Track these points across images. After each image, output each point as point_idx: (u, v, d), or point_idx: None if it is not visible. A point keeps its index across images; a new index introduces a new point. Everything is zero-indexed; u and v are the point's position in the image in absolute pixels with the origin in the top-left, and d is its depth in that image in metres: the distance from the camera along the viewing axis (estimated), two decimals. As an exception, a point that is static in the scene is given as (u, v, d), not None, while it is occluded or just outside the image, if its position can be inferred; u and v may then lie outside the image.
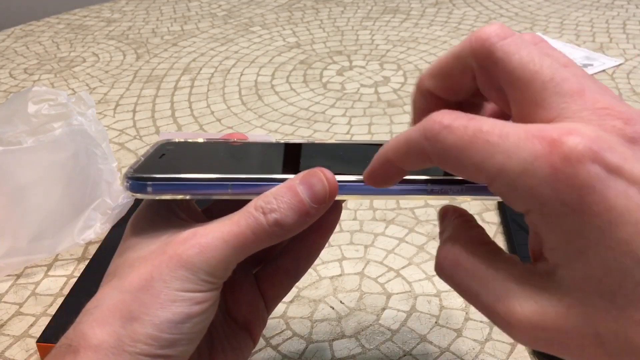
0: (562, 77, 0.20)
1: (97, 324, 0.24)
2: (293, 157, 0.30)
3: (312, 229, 0.31)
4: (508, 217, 0.46)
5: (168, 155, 0.29)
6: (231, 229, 0.24)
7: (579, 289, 0.18)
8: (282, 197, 0.25)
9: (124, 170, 0.28)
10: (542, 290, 0.19)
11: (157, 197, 0.27)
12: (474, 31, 0.23)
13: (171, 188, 0.26)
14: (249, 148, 0.31)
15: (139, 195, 0.27)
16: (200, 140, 0.32)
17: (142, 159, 0.29)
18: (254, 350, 0.40)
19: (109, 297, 0.24)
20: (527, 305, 0.19)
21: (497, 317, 0.20)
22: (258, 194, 0.26)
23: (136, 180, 0.26)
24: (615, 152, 0.18)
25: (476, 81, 0.24)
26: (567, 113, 0.20)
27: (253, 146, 0.31)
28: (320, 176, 0.25)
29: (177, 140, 0.32)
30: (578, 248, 0.18)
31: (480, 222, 0.45)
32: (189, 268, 0.24)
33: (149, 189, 0.26)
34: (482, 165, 0.19)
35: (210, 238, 0.24)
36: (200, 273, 0.24)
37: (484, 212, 0.52)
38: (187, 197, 0.27)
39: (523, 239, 0.43)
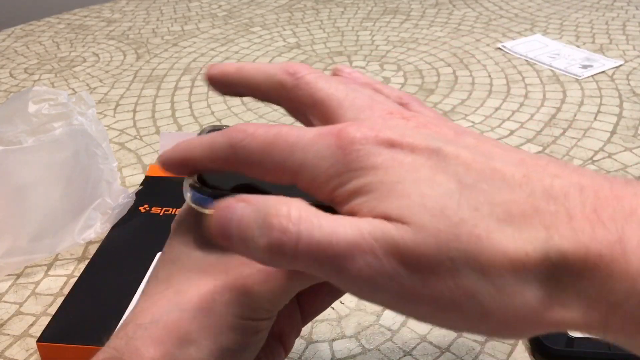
0: (354, 95, 0.23)
1: (151, 341, 0.22)
2: None
3: None
4: None
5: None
6: (289, 273, 0.24)
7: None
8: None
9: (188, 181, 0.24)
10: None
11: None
12: (283, 64, 0.25)
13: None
14: None
15: (201, 209, 0.24)
16: None
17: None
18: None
19: (166, 313, 0.23)
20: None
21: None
22: None
23: (208, 195, 0.23)
24: (389, 130, 0.20)
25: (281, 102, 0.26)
26: (357, 120, 0.22)
27: None
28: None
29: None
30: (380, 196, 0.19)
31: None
32: (252, 296, 0.23)
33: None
34: (284, 164, 0.21)
35: (267, 279, 0.23)
36: (263, 302, 0.23)
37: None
38: None
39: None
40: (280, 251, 0.19)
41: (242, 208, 0.20)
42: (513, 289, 0.18)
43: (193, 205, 0.24)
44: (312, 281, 0.24)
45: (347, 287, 0.19)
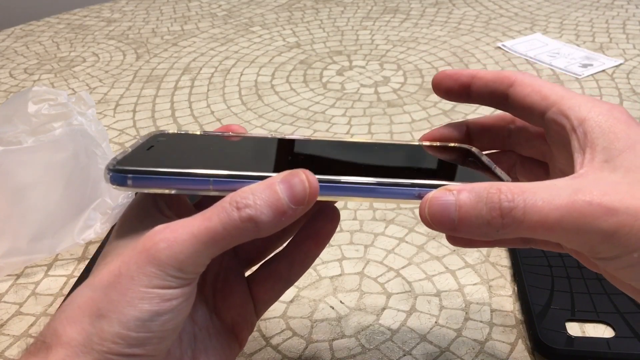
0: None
1: (67, 321, 0.24)
2: (283, 154, 0.30)
3: (309, 236, 0.31)
4: (519, 260, 0.45)
5: (157, 147, 0.28)
6: (202, 223, 0.24)
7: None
8: (260, 193, 0.24)
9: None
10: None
11: (139, 191, 0.26)
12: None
13: (152, 182, 0.25)
14: (242, 143, 0.30)
15: (120, 188, 0.26)
16: (194, 132, 0.31)
17: (129, 150, 0.28)
18: (254, 349, 0.40)
19: (80, 294, 0.24)
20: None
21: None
22: (233, 189, 0.25)
23: (117, 172, 0.25)
24: None
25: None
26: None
27: (246, 141, 0.31)
28: (302, 177, 0.24)
29: (170, 132, 0.30)
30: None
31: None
32: (156, 264, 0.23)
33: (129, 181, 0.25)
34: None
35: (180, 233, 0.24)
36: (168, 269, 0.24)
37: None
38: (172, 191, 0.26)
39: (534, 281, 0.43)
40: (513, 218, 0.22)
41: (455, 195, 0.23)
42: None
43: (111, 185, 0.26)
44: (220, 247, 0.24)
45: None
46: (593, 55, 0.85)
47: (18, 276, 0.49)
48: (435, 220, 0.23)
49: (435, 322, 0.42)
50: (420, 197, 0.25)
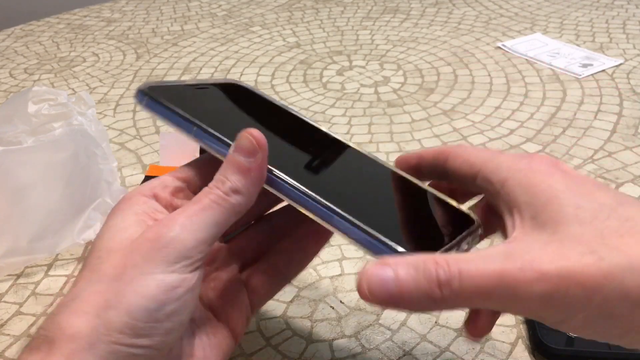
0: None
1: (73, 314, 0.23)
2: (278, 128, 0.32)
3: (309, 233, 0.31)
4: None
5: (195, 92, 0.33)
6: (196, 207, 0.26)
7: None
8: (226, 169, 0.27)
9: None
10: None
11: (149, 113, 0.31)
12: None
13: (155, 110, 0.30)
14: (266, 112, 0.34)
15: (139, 105, 0.31)
16: (257, 93, 0.35)
17: (169, 84, 0.32)
18: (254, 349, 0.40)
19: (83, 289, 0.24)
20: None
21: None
22: (212, 148, 0.29)
23: (141, 91, 0.31)
24: None
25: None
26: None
27: (270, 112, 0.34)
28: (244, 135, 0.27)
29: (243, 84, 0.36)
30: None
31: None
32: (161, 252, 0.24)
33: (144, 102, 0.31)
34: None
35: (180, 219, 0.25)
36: (173, 255, 0.24)
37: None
38: (170, 127, 0.30)
39: (546, 327, 0.42)
40: (450, 289, 0.22)
41: (393, 270, 0.23)
42: None
43: (135, 100, 0.31)
44: (219, 226, 0.26)
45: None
46: (593, 55, 0.85)
47: (18, 276, 0.49)
48: (375, 296, 0.23)
49: (435, 322, 0.42)
50: (360, 242, 0.26)
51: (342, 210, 0.26)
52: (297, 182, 0.27)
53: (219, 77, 0.84)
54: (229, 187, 0.26)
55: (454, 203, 0.30)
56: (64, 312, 0.24)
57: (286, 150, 0.31)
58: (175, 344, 0.27)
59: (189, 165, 0.30)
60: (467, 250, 0.28)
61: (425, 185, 0.31)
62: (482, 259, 0.22)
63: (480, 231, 0.28)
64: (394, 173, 0.32)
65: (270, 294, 0.32)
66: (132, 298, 0.23)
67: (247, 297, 0.31)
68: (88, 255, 0.26)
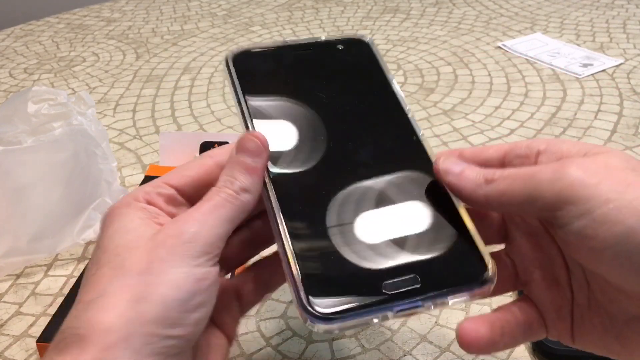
0: None
1: (103, 310, 0.23)
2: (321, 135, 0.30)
3: None
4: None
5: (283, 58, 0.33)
6: (211, 204, 0.27)
7: None
8: (233, 169, 0.28)
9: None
10: None
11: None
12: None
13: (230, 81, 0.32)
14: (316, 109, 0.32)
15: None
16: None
17: (267, 48, 0.33)
18: (254, 349, 0.40)
19: (109, 285, 0.24)
20: None
21: None
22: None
23: (233, 56, 0.32)
24: None
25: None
26: None
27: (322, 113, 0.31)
28: (248, 137, 0.29)
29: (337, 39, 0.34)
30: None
31: None
32: (183, 244, 0.25)
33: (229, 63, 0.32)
34: None
35: (197, 216, 0.26)
36: (197, 249, 0.25)
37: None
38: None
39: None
40: (492, 180, 0.26)
41: (461, 168, 0.28)
42: None
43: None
44: (233, 221, 0.27)
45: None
46: (593, 55, 0.85)
47: (18, 276, 0.49)
48: (445, 170, 0.28)
49: (435, 322, 0.42)
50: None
51: (291, 243, 0.26)
52: (277, 191, 0.28)
53: (218, 77, 0.84)
54: (238, 186, 0.27)
55: (477, 240, 0.27)
56: (93, 308, 0.24)
57: (306, 152, 0.29)
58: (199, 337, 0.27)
59: (178, 171, 0.30)
60: (444, 305, 0.26)
61: (458, 205, 0.28)
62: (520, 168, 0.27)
63: (485, 288, 0.26)
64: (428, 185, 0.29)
65: (258, 299, 0.32)
66: (164, 289, 0.24)
67: (237, 301, 0.32)
68: (100, 256, 0.26)
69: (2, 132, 0.49)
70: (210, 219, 0.26)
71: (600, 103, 0.72)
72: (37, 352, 0.41)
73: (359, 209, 0.27)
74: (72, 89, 0.81)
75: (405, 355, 0.40)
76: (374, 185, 0.28)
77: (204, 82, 0.82)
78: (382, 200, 0.28)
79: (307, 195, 0.28)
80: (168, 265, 0.25)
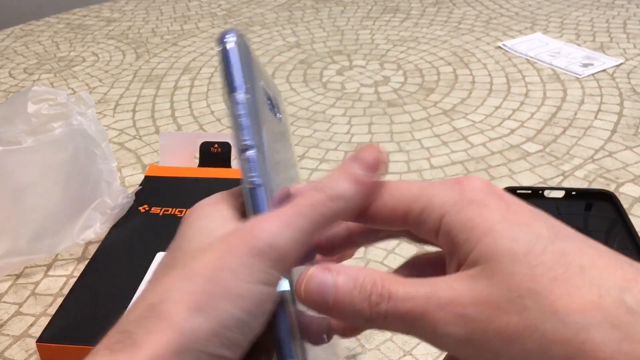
0: None
1: (161, 318, 0.23)
2: None
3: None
4: None
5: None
6: (293, 210, 0.24)
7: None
8: (336, 174, 0.25)
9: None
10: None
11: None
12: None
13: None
14: None
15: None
16: None
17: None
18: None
19: (173, 288, 0.23)
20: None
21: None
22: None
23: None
24: None
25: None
26: None
27: None
28: (371, 147, 0.26)
29: None
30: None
31: None
32: (256, 254, 0.23)
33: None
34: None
35: (274, 222, 0.24)
36: (269, 259, 0.23)
37: None
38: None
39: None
40: (378, 312, 0.22)
41: (333, 277, 0.23)
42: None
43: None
44: (314, 231, 0.24)
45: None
46: (594, 54, 0.85)
47: (18, 276, 0.49)
48: (310, 297, 0.23)
49: (436, 322, 0.42)
50: None
51: None
52: None
53: (218, 77, 0.84)
54: (336, 193, 0.25)
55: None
56: (152, 315, 0.23)
57: None
58: None
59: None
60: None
61: None
62: (413, 287, 0.22)
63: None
64: None
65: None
66: (225, 305, 0.22)
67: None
68: (170, 255, 0.25)
69: (2, 132, 0.49)
70: (289, 230, 0.23)
71: (600, 103, 0.72)
72: (37, 353, 0.41)
73: None
74: (72, 89, 0.81)
75: (405, 355, 0.40)
76: None
77: (204, 82, 0.82)
78: None
79: None
80: (235, 277, 0.23)
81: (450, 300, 0.22)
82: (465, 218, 0.23)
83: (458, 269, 0.23)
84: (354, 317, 0.23)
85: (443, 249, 0.24)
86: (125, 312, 0.24)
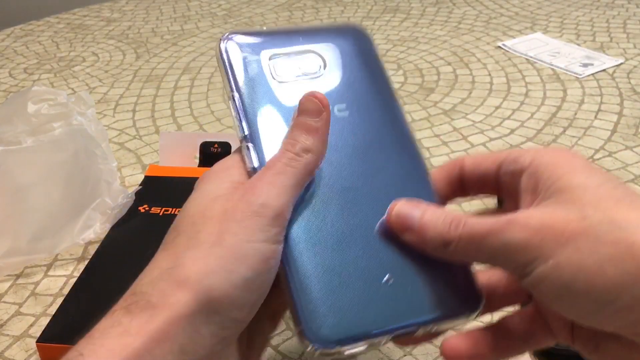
0: None
1: (177, 284, 0.24)
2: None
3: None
4: None
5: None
6: (273, 172, 0.26)
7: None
8: (293, 132, 0.28)
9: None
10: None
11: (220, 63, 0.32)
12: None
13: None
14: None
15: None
16: None
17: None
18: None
19: (184, 256, 0.25)
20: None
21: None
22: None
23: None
24: None
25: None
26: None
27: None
28: (308, 98, 0.28)
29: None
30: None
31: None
32: (252, 217, 0.25)
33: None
34: None
35: (262, 185, 0.26)
36: (265, 221, 0.25)
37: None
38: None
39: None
40: (455, 232, 0.25)
41: (421, 212, 0.27)
42: None
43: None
44: (299, 186, 0.27)
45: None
46: (594, 54, 0.85)
47: (18, 276, 0.49)
48: (399, 223, 0.27)
49: (436, 322, 0.42)
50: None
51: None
52: None
53: (218, 77, 0.83)
54: (299, 147, 0.27)
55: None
56: (167, 279, 0.24)
57: None
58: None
59: None
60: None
61: None
62: (487, 218, 0.25)
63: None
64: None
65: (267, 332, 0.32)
66: (233, 265, 0.24)
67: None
68: (181, 221, 0.27)
69: (2, 132, 0.49)
70: (274, 188, 0.26)
71: (600, 103, 0.72)
72: (37, 353, 0.41)
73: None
74: (72, 89, 0.81)
75: (405, 355, 0.40)
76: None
77: (203, 82, 0.82)
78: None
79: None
80: (238, 238, 0.25)
81: (520, 217, 0.24)
82: (552, 162, 0.26)
83: (531, 205, 0.26)
84: (433, 239, 0.26)
85: (522, 187, 0.27)
86: (139, 276, 0.26)
